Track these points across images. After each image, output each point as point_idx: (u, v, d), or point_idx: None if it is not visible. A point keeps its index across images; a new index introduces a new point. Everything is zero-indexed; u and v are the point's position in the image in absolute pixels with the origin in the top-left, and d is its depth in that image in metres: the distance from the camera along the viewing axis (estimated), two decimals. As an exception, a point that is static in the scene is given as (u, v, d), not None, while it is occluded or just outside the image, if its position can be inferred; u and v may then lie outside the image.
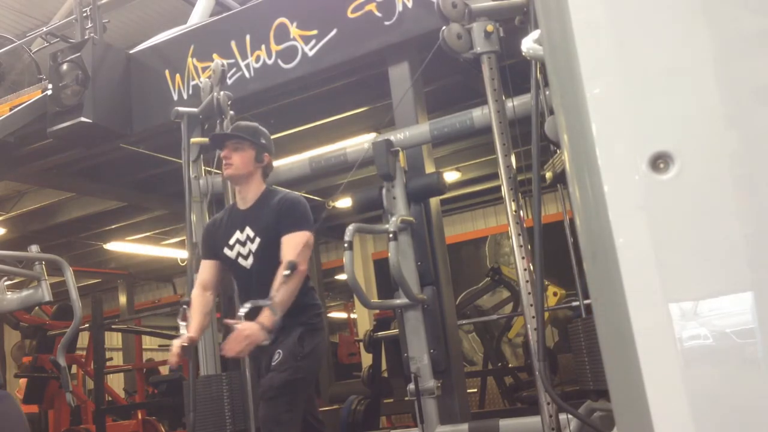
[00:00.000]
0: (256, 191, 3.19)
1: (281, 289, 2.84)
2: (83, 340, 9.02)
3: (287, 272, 2.85)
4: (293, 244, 2.98)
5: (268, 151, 3.24)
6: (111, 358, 9.47)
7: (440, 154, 6.93)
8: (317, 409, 3.37)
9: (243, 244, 3.14)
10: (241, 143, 3.16)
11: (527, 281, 3.11)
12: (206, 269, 3.27)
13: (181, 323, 3.09)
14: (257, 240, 3.10)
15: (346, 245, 3.48)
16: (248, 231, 3.13)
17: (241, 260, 3.14)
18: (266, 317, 2.80)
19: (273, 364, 2.98)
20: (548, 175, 3.10)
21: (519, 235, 3.18)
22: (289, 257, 2.91)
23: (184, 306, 3.18)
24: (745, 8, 0.95)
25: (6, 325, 9.69)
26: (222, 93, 4.12)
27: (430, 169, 4.39)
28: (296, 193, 3.28)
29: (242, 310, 2.84)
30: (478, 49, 3.33)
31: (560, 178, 2.99)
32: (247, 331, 2.75)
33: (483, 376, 8.24)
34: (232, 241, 3.17)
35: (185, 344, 2.98)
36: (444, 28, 3.30)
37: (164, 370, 8.94)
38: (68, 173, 7.02)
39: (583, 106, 0.98)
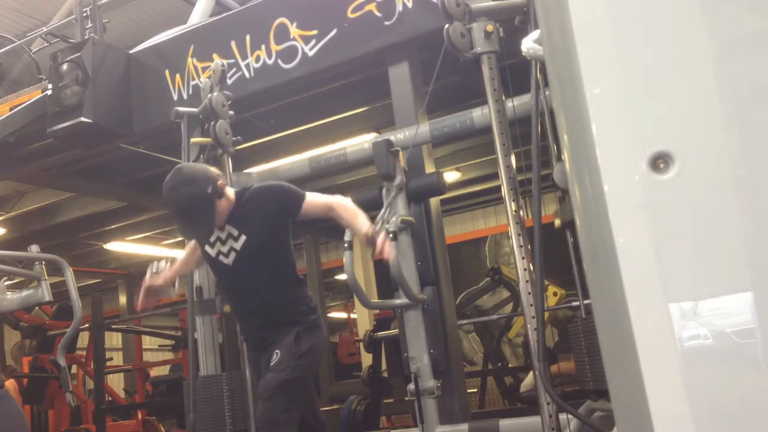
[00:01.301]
0: (231, 204, 3.14)
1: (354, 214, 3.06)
2: (83, 340, 9.02)
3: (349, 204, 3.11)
4: (321, 200, 3.13)
5: (214, 182, 3.05)
6: (111, 358, 9.47)
7: (440, 154, 6.93)
8: (319, 410, 3.37)
9: (224, 242, 3.13)
10: (212, 217, 3.07)
11: (527, 281, 3.11)
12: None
13: (154, 264, 3.28)
14: (242, 237, 3.09)
15: (346, 245, 3.48)
16: (229, 229, 3.12)
17: (222, 258, 3.14)
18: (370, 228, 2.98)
19: (271, 364, 2.99)
20: (557, 222, 3.11)
21: (519, 235, 3.18)
22: (333, 201, 3.11)
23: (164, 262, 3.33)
24: (745, 8, 0.95)
25: (6, 325, 9.69)
26: (216, 94, 4.11)
27: (430, 169, 4.39)
28: (261, 183, 3.31)
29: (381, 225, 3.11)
30: (478, 49, 3.33)
31: (569, 225, 3.00)
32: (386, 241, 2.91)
33: (483, 376, 8.24)
34: (212, 239, 3.16)
35: (148, 287, 3.20)
36: (448, 26, 3.30)
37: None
38: (68, 173, 7.02)
39: (583, 106, 0.98)
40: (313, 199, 3.12)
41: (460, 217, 10.73)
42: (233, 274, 3.15)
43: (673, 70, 0.95)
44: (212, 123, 4.09)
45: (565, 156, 1.12)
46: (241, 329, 3.49)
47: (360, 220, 3.02)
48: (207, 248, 3.18)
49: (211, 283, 4.10)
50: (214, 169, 3.18)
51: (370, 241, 2.91)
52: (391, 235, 3.48)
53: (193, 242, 3.38)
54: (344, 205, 3.09)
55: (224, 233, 3.13)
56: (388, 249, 2.89)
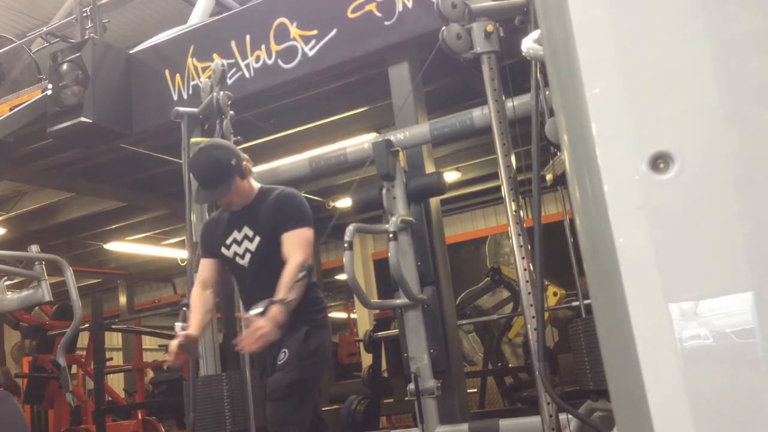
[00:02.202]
0: (250, 194, 3.16)
1: (294, 288, 2.83)
2: (83, 340, 9.02)
3: (303, 273, 2.86)
4: (297, 242, 2.97)
5: (240, 160, 3.10)
6: (111, 358, 9.47)
7: (440, 154, 6.93)
8: (320, 409, 3.37)
9: (240, 243, 3.13)
10: (225, 185, 3.06)
11: (527, 281, 3.11)
12: (205, 267, 3.26)
13: (178, 324, 3.07)
14: (256, 239, 3.10)
15: (346, 245, 3.48)
16: (246, 230, 3.13)
17: (238, 259, 3.14)
18: (278, 313, 2.76)
19: (279, 363, 2.97)
20: (549, 176, 3.10)
21: (519, 235, 3.18)
22: (298, 258, 2.89)
23: (184, 308, 3.17)
24: (744, 8, 0.95)
25: (6, 325, 9.69)
26: (222, 93, 4.12)
27: (430, 169, 4.39)
28: (292, 189, 3.26)
29: (255, 310, 2.79)
30: (478, 49, 3.33)
31: (560, 179, 2.99)
32: (262, 328, 2.72)
33: (483, 376, 8.24)
34: (229, 241, 3.16)
35: (182, 342, 2.95)
36: (444, 28, 3.30)
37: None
38: (68, 173, 7.02)
39: (583, 106, 0.98)
40: (302, 237, 3.01)
41: (460, 217, 10.73)
42: (248, 275, 3.15)
43: (673, 70, 0.95)
44: (218, 121, 4.09)
45: (565, 156, 1.12)
46: None
47: (282, 290, 2.82)
48: (224, 250, 3.18)
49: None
50: (245, 155, 3.21)
51: (245, 320, 2.78)
52: (390, 235, 3.49)
53: (195, 292, 3.22)
54: (294, 266, 2.89)
55: (241, 234, 3.13)
56: (247, 340, 2.72)
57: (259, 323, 2.72)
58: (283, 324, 2.82)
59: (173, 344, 2.97)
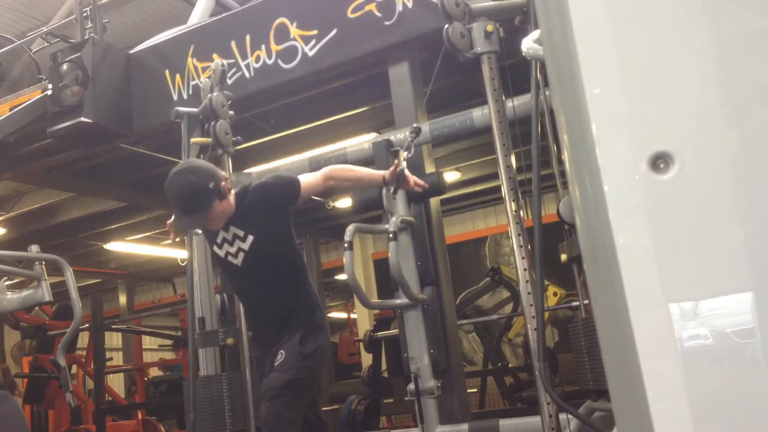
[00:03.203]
0: (232, 206, 3.13)
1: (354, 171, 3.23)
2: (83, 340, 9.02)
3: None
4: (310, 178, 3.16)
5: (218, 180, 3.03)
6: (111, 358, 9.47)
7: (440, 154, 6.93)
8: (320, 409, 3.38)
9: (231, 242, 3.13)
10: (206, 213, 3.01)
11: (527, 281, 3.11)
12: None
13: None
14: (249, 237, 3.09)
15: (346, 245, 3.48)
16: (234, 230, 3.13)
17: (231, 258, 3.14)
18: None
19: (275, 364, 2.99)
20: (563, 257, 3.10)
21: (519, 235, 3.18)
22: (325, 170, 3.17)
23: None
24: (745, 8, 0.95)
25: (6, 325, 9.69)
26: (216, 94, 4.11)
27: (430, 169, 4.39)
28: (258, 180, 3.27)
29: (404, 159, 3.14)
30: (478, 49, 3.32)
31: (575, 259, 3.00)
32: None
33: (483, 376, 8.24)
34: (219, 240, 3.17)
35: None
36: (447, 26, 3.30)
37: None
38: (68, 173, 7.02)
39: (583, 106, 0.98)
40: (308, 178, 3.15)
41: (460, 217, 10.73)
42: (242, 274, 3.16)
43: (673, 70, 0.95)
44: (212, 123, 4.08)
45: (565, 156, 1.12)
46: (249, 326, 3.50)
47: (364, 171, 3.18)
48: (215, 249, 3.19)
49: (215, 314, 4.10)
50: (222, 172, 3.18)
51: (392, 181, 3.08)
52: (390, 235, 3.49)
53: None
54: (338, 167, 3.20)
55: (229, 234, 3.13)
56: (413, 180, 3.11)
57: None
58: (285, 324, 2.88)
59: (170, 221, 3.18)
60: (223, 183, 3.02)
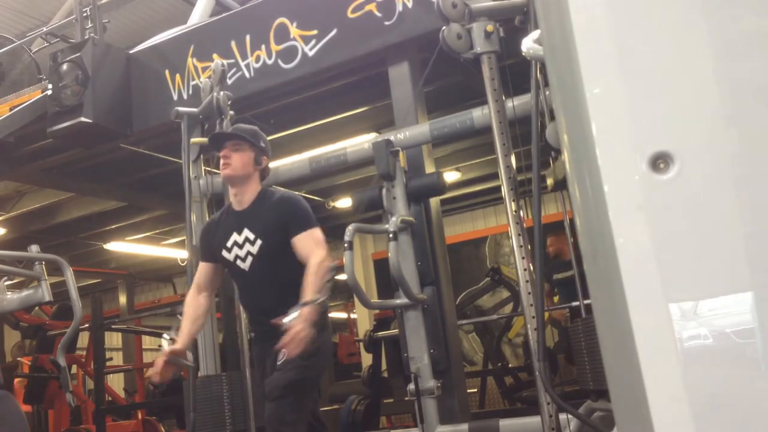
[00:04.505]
0: (253, 193, 3.18)
1: (324, 288, 2.89)
2: (83, 340, 9.01)
3: (332, 273, 2.98)
4: (314, 242, 3.02)
5: (267, 154, 3.24)
6: (111, 358, 9.46)
7: (440, 154, 6.93)
8: (319, 410, 3.37)
9: (241, 246, 3.13)
10: (241, 144, 3.15)
11: (527, 281, 3.11)
12: (202, 271, 3.28)
13: (165, 336, 3.10)
14: (258, 242, 3.10)
15: (346, 245, 3.48)
16: (246, 233, 3.13)
17: (239, 262, 3.14)
18: (311, 313, 2.75)
19: (278, 363, 2.98)
20: (549, 181, 3.10)
21: (519, 235, 3.18)
22: (320, 255, 2.93)
23: (179, 315, 3.19)
24: (745, 8, 0.95)
25: (6, 325, 9.69)
26: (222, 93, 4.12)
27: (430, 169, 4.39)
28: (293, 192, 3.28)
29: (291, 316, 2.76)
30: (478, 49, 3.33)
31: (561, 184, 2.99)
32: (300, 331, 2.69)
33: (483, 376, 8.23)
34: (229, 243, 3.16)
35: (168, 358, 2.97)
36: (444, 28, 3.30)
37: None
38: (68, 173, 7.02)
39: (583, 106, 0.98)
40: (316, 237, 3.05)
41: (460, 217, 10.73)
42: (249, 277, 3.16)
43: (673, 70, 0.95)
44: (218, 121, 4.09)
45: (566, 156, 1.12)
46: (252, 327, 3.50)
47: (309, 291, 2.83)
48: (224, 253, 3.18)
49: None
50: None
51: (282, 324, 2.74)
52: (390, 235, 3.49)
53: (189, 297, 3.25)
54: (319, 265, 2.91)
55: (242, 237, 3.13)
56: (291, 344, 2.70)
57: (297, 327, 2.69)
58: (316, 323, 2.83)
59: (159, 360, 2.97)
60: (266, 158, 3.22)
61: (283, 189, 3.32)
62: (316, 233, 3.06)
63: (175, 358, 3.00)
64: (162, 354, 2.97)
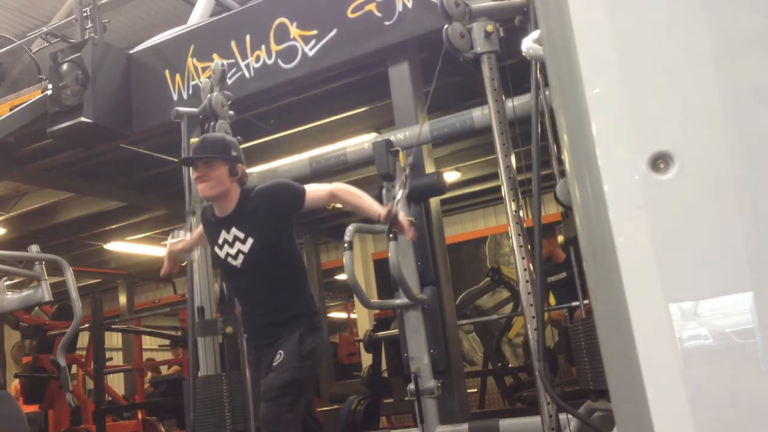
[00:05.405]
0: (234, 200, 3.16)
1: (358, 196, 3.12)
2: (83, 340, 9.01)
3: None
4: (318, 191, 3.14)
5: (240, 161, 3.19)
6: (111, 358, 9.46)
7: (440, 154, 6.92)
8: (316, 411, 3.38)
9: (231, 244, 3.14)
10: (212, 161, 3.10)
11: (527, 281, 3.11)
12: None
13: (176, 232, 3.47)
14: (249, 240, 3.10)
15: (346, 245, 3.48)
16: (235, 231, 3.14)
17: (230, 260, 3.15)
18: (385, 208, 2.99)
19: (274, 364, 2.99)
20: (560, 238, 3.10)
21: (519, 235, 3.18)
22: (335, 191, 3.13)
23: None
24: (745, 8, 0.95)
25: (6, 325, 9.68)
26: (216, 95, 4.11)
27: (430, 169, 4.39)
28: (264, 183, 3.29)
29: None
30: (478, 49, 3.33)
31: (572, 241, 3.00)
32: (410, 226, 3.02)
33: (483, 376, 8.23)
34: (221, 241, 3.18)
35: (174, 249, 3.40)
36: (447, 26, 3.30)
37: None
38: (68, 173, 7.02)
39: (583, 106, 0.98)
40: (314, 190, 3.14)
41: (460, 217, 10.72)
42: (241, 276, 3.16)
43: (672, 70, 0.95)
44: (212, 123, 4.09)
45: (565, 156, 1.11)
46: (245, 328, 3.50)
47: (367, 201, 3.09)
48: (216, 250, 3.20)
49: (213, 304, 4.11)
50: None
51: (387, 220, 2.96)
52: (390, 235, 3.48)
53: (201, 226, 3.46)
54: (346, 189, 3.14)
55: (230, 235, 3.14)
56: (408, 227, 2.99)
57: (408, 224, 3.05)
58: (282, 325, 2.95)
59: (171, 246, 3.38)
60: (241, 165, 3.18)
61: (253, 184, 3.30)
62: (311, 189, 3.14)
63: (177, 254, 3.42)
64: (167, 250, 3.37)
